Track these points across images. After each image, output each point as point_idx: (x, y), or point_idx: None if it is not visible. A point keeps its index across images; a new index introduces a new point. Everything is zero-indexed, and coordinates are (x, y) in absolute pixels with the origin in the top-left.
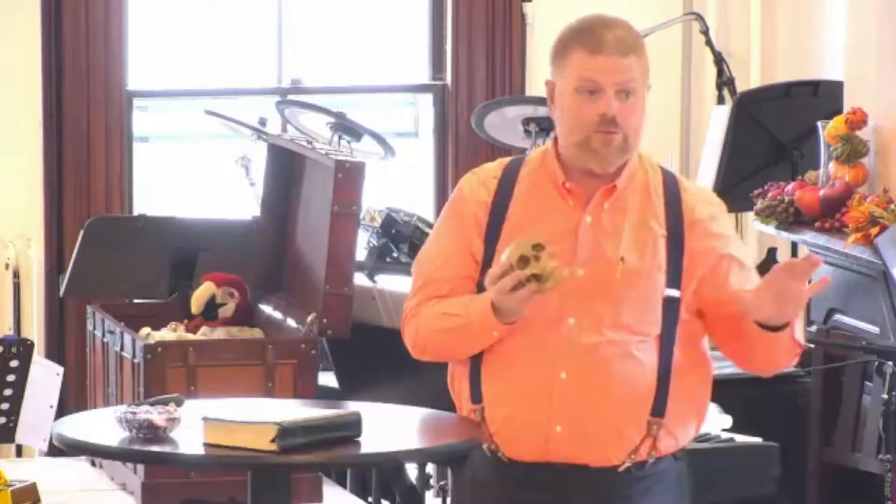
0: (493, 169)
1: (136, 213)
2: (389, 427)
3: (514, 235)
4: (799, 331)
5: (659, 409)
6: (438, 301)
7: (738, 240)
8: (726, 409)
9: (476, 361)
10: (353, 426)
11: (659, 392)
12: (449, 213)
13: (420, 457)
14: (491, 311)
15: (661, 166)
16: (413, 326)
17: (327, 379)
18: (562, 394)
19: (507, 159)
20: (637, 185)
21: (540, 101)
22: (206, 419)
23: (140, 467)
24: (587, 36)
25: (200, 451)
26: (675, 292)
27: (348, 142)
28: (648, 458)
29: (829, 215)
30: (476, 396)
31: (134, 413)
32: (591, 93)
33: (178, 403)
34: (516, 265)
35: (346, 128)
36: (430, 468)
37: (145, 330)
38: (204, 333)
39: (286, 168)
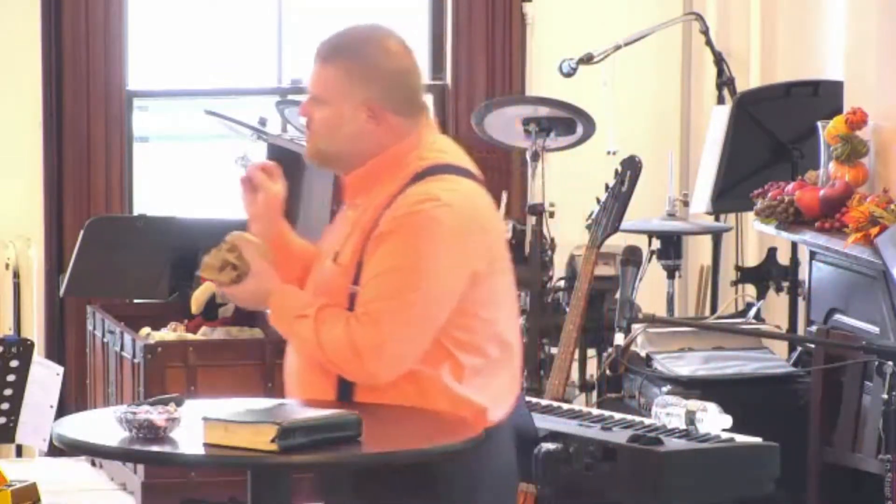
0: None
1: (136, 213)
2: (389, 427)
3: (327, 231)
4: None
5: (344, 395)
6: None
7: (401, 265)
8: (726, 409)
9: None
10: (353, 426)
11: (342, 380)
12: None
13: (420, 457)
14: None
15: (431, 165)
16: None
17: None
18: (287, 374)
19: None
20: (382, 180)
21: (540, 101)
22: (206, 419)
23: (140, 467)
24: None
25: (200, 451)
26: (358, 289)
27: None
28: None
29: (829, 215)
30: None
31: (134, 413)
32: None
33: (178, 403)
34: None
35: None
36: None
37: (145, 330)
38: (204, 333)
39: (286, 168)
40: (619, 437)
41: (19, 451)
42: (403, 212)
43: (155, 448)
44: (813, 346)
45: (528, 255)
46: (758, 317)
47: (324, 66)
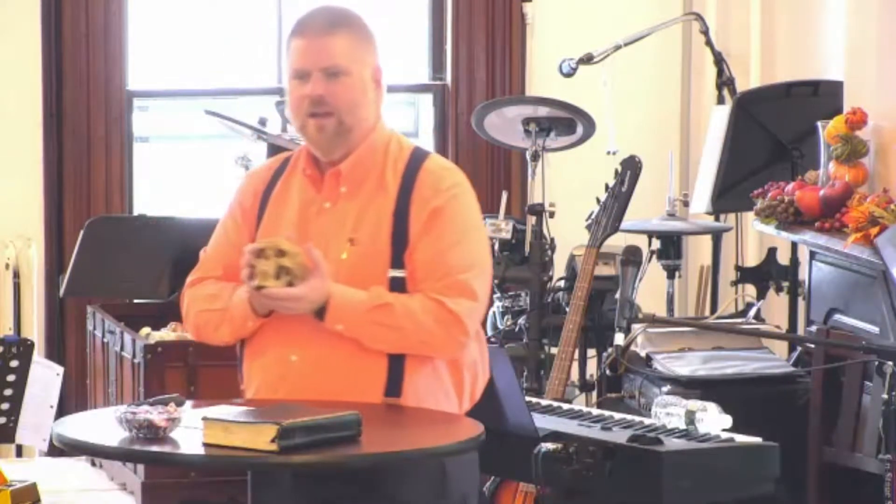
0: (272, 161)
1: (136, 213)
2: (389, 427)
3: (267, 226)
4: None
5: (393, 390)
6: (215, 282)
7: (467, 235)
8: (726, 409)
9: (242, 343)
10: (353, 426)
11: (391, 372)
12: (230, 201)
13: (420, 457)
14: (248, 304)
15: (416, 146)
16: (186, 298)
17: None
18: (293, 375)
19: (288, 153)
20: (375, 165)
21: (540, 101)
22: (205, 419)
23: (140, 467)
24: (297, 22)
25: (200, 451)
26: (399, 272)
27: None
28: None
29: (829, 215)
30: (241, 376)
31: (134, 413)
32: (300, 78)
33: (178, 403)
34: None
35: None
36: None
37: (145, 330)
38: None
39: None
40: (619, 437)
41: (19, 451)
42: (447, 185)
43: (155, 448)
44: (813, 346)
45: (528, 255)
46: (758, 317)
47: (332, 37)
